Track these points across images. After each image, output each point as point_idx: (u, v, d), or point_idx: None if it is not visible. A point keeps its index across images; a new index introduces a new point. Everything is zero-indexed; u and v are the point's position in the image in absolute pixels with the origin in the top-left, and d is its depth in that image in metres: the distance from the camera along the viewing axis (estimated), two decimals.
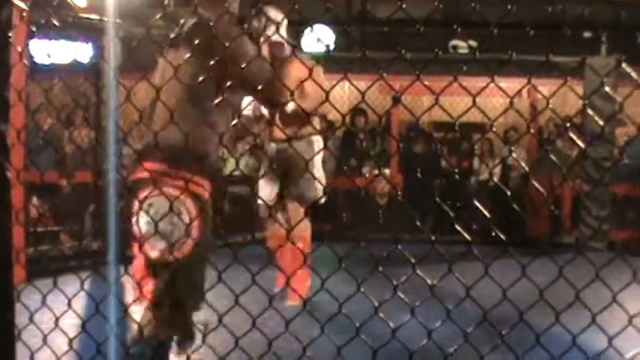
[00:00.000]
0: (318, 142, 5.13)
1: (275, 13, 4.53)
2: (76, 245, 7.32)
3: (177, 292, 2.59)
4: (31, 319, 2.37)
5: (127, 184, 2.72)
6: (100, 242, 6.98)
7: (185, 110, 2.43)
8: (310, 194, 5.02)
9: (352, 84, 2.28)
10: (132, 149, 2.90)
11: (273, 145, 5.14)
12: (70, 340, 2.43)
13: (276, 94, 2.87)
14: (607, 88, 2.94)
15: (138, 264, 2.65)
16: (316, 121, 5.38)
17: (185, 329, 2.64)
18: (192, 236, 2.56)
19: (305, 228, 4.98)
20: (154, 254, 2.51)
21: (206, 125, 2.57)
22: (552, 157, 4.82)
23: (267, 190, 5.17)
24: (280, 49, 4.69)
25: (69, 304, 2.40)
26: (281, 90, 2.93)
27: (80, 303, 2.58)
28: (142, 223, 2.51)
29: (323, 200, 5.07)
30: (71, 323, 2.54)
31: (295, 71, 4.76)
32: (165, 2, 2.60)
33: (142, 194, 2.55)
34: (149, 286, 2.58)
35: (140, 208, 2.57)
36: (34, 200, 7.49)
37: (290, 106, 4.72)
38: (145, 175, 2.51)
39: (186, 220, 2.54)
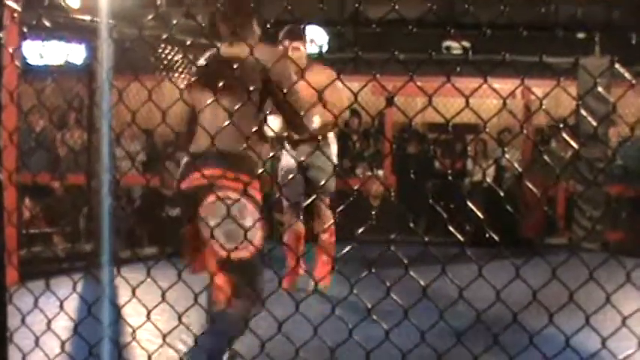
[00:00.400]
0: (334, 141, 5.53)
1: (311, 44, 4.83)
2: (68, 247, 7.30)
3: (248, 281, 2.87)
4: (23, 321, 2.36)
5: (185, 191, 3.01)
6: (93, 244, 6.96)
7: (238, 122, 2.59)
8: (332, 188, 5.57)
9: (345, 85, 2.28)
10: (182, 157, 3.17)
11: (294, 151, 5.43)
12: (63, 343, 2.42)
13: (299, 114, 3.10)
14: (600, 89, 2.93)
15: (210, 261, 2.90)
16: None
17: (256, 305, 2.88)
18: (257, 234, 2.84)
19: (331, 220, 5.40)
20: (225, 253, 2.71)
21: (255, 136, 2.90)
22: (546, 158, 4.82)
23: (293, 191, 5.42)
24: (300, 57, 5.10)
25: (61, 306, 2.39)
26: (304, 108, 3.14)
27: (72, 305, 2.57)
28: (210, 225, 2.67)
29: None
30: (64, 325, 2.53)
31: (315, 79, 4.90)
32: (158, 3, 2.59)
33: (209, 199, 2.82)
34: (221, 280, 2.85)
35: (208, 212, 2.84)
36: (27, 202, 7.47)
37: (316, 122, 4.88)
38: (203, 181, 2.73)
39: (250, 220, 2.79)
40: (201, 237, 2.92)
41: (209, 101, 2.77)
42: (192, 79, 3.24)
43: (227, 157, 2.84)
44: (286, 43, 5.23)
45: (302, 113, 3.10)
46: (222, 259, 2.79)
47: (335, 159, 5.54)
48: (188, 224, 3.05)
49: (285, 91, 2.88)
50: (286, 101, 3.00)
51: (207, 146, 2.60)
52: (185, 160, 3.09)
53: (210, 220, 2.75)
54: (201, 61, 3.29)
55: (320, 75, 4.84)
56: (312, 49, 9.72)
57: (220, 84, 2.72)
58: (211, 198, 2.80)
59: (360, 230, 2.10)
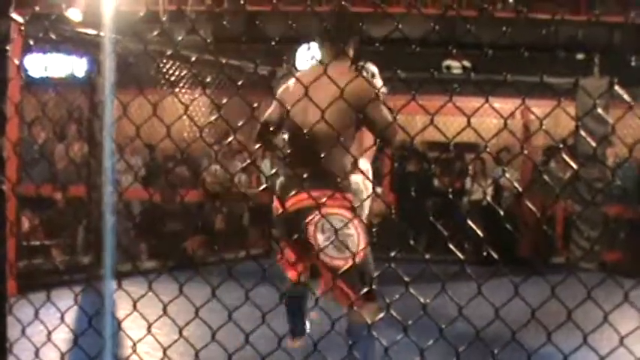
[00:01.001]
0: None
1: (373, 67, 4.79)
2: (68, 259, 7.30)
3: (362, 283, 3.13)
4: (23, 332, 2.37)
5: (288, 212, 3.27)
6: (93, 256, 6.97)
7: (339, 148, 2.91)
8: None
9: (348, 102, 2.30)
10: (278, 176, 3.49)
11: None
12: (62, 355, 2.43)
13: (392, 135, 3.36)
14: (599, 110, 2.96)
15: (326, 273, 3.25)
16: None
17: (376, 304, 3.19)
18: (363, 245, 3.18)
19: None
20: (340, 262, 3.09)
21: (349, 159, 3.18)
22: (545, 177, 4.84)
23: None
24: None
25: (62, 318, 2.39)
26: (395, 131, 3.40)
27: (73, 317, 2.58)
28: (320, 240, 3.13)
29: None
30: (64, 337, 2.54)
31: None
32: (163, 19, 2.62)
33: (315, 217, 3.12)
34: (344, 285, 3.16)
35: (316, 228, 3.17)
36: (27, 213, 7.47)
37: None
38: (309, 201, 3.03)
39: (356, 233, 3.17)
40: (312, 253, 3.23)
41: (312, 121, 2.83)
42: (284, 96, 3.46)
43: (330, 178, 3.10)
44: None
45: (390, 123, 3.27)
46: (335, 268, 3.10)
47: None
48: (289, 242, 3.37)
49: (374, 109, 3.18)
50: (379, 117, 3.24)
51: (309, 167, 2.91)
52: (282, 179, 3.41)
53: (318, 236, 3.16)
54: (293, 81, 3.55)
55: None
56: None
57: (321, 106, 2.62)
58: (315, 217, 3.12)
59: (361, 248, 2.11)
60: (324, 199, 2.88)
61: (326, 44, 3.45)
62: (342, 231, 3.01)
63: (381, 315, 2.97)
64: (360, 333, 3.09)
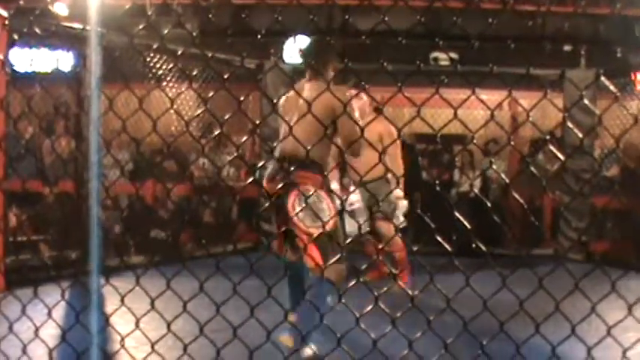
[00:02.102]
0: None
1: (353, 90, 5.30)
2: (56, 255, 7.26)
3: (331, 247, 3.72)
4: (10, 329, 2.36)
5: (274, 188, 3.84)
6: (81, 252, 6.93)
7: (318, 138, 3.39)
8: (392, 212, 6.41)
9: (335, 95, 2.30)
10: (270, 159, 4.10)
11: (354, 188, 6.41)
12: (50, 351, 2.42)
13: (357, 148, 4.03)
14: (586, 101, 2.96)
15: (303, 237, 3.81)
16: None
17: (341, 266, 3.76)
18: (332, 215, 3.78)
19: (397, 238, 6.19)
20: (313, 230, 3.74)
21: (326, 149, 3.91)
22: (532, 169, 4.85)
23: (355, 221, 6.04)
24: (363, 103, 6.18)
25: (49, 314, 2.39)
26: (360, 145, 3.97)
27: (60, 313, 2.57)
28: (298, 211, 3.75)
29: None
30: (51, 333, 2.53)
31: (374, 128, 5.92)
32: (149, 13, 2.61)
33: (295, 193, 3.78)
34: (314, 250, 3.74)
35: (295, 202, 3.80)
36: (14, 209, 7.43)
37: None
38: (292, 179, 3.81)
39: (326, 206, 3.81)
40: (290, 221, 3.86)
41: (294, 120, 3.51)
42: (282, 104, 4.13)
43: (311, 165, 3.79)
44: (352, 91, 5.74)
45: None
46: (310, 235, 3.75)
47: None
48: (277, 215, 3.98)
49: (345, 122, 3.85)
50: (348, 129, 3.91)
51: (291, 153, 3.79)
52: (270, 170, 4.03)
53: (297, 208, 3.76)
54: (291, 93, 4.07)
55: (379, 123, 5.77)
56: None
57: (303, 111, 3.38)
58: (295, 193, 3.78)
59: (349, 240, 2.11)
60: (303, 179, 3.69)
61: (308, 68, 4.16)
62: (316, 205, 3.71)
63: (347, 281, 3.49)
64: (317, 282, 3.71)
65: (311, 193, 3.69)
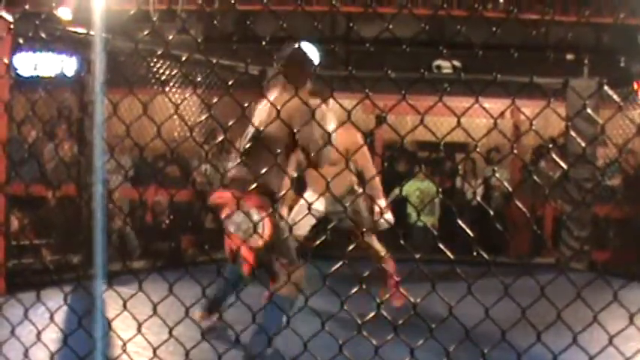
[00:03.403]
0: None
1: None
2: (58, 259, 7.26)
3: (268, 256, 3.82)
4: (12, 332, 2.36)
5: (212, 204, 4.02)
6: (83, 256, 6.94)
7: (266, 158, 3.60)
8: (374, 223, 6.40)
9: (338, 102, 2.30)
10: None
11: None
12: (52, 355, 2.42)
13: (319, 160, 4.01)
14: (589, 110, 2.97)
15: (244, 250, 3.82)
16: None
17: (273, 271, 3.84)
18: (267, 231, 3.79)
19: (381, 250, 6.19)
20: (251, 243, 3.75)
21: (277, 171, 3.84)
22: (535, 177, 4.85)
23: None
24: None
25: (51, 318, 2.39)
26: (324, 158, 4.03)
27: (62, 317, 2.57)
28: (231, 228, 3.83)
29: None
30: (53, 337, 2.53)
31: (341, 139, 5.79)
32: (153, 18, 2.62)
33: (227, 211, 3.85)
34: (250, 257, 3.79)
35: (229, 218, 3.87)
36: (16, 213, 7.43)
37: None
38: (227, 197, 3.85)
39: (260, 223, 3.76)
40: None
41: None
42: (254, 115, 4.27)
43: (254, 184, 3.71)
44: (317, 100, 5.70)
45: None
46: (249, 247, 3.77)
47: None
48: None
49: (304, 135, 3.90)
50: (304, 139, 3.93)
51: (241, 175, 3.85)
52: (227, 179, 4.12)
53: (230, 225, 3.83)
54: (262, 104, 4.32)
55: (347, 133, 5.56)
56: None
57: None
58: (227, 211, 3.84)
59: (351, 247, 2.11)
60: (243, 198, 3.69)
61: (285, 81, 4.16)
62: (246, 220, 3.76)
63: (296, 293, 3.58)
64: (269, 305, 3.68)
65: (245, 209, 3.72)
